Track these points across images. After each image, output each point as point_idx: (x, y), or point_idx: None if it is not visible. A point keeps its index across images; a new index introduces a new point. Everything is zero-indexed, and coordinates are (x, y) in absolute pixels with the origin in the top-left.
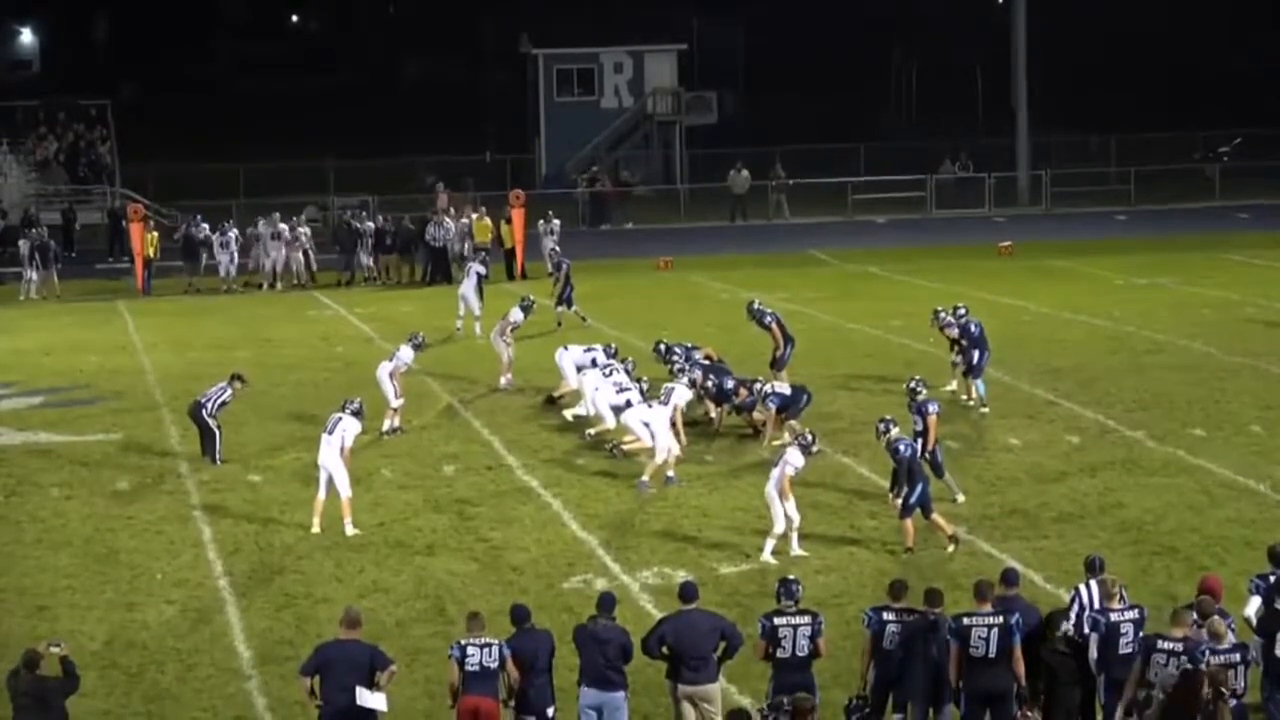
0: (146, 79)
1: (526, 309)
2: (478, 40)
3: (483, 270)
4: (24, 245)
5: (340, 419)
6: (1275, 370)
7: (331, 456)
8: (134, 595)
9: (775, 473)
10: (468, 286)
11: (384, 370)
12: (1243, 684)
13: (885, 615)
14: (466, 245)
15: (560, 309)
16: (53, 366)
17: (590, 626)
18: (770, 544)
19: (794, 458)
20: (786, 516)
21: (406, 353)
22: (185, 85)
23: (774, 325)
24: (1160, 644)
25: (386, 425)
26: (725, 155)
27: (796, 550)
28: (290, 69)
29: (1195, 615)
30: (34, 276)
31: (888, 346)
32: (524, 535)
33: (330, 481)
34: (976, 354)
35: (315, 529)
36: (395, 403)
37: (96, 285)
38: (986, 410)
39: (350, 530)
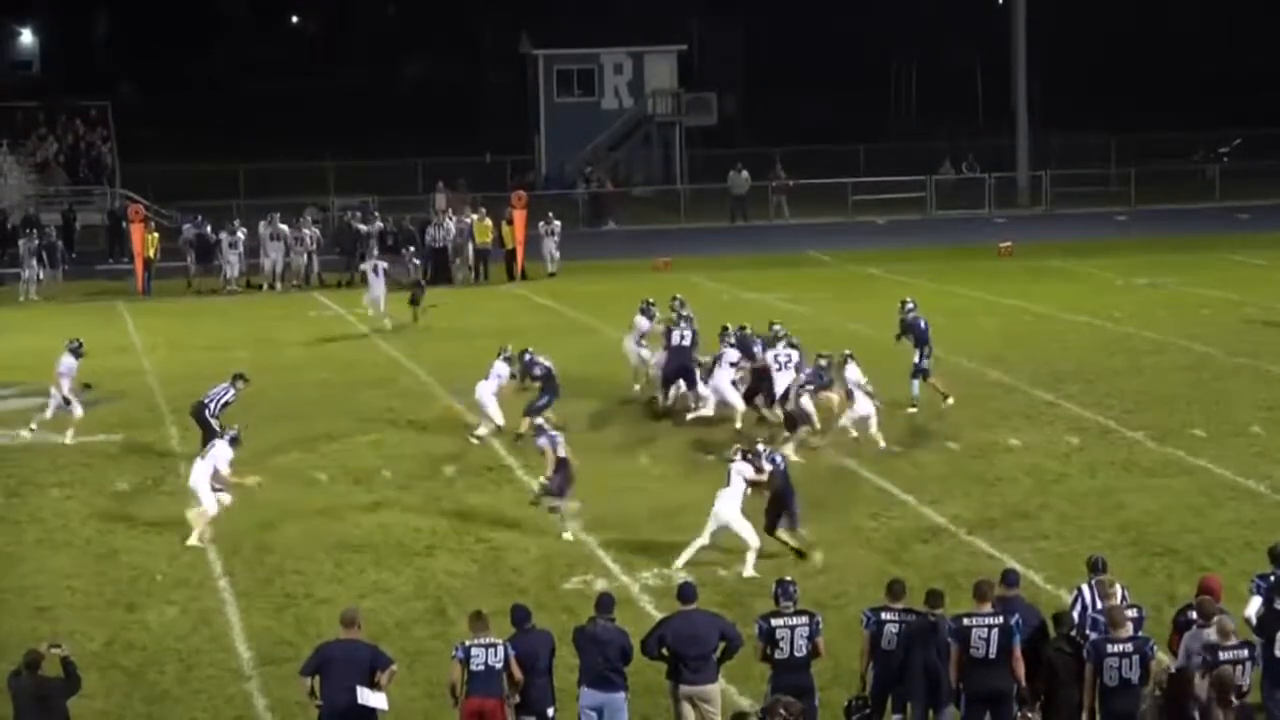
0: (146, 79)
1: (649, 314)
2: (477, 40)
3: (384, 268)
4: (24, 246)
5: (214, 445)
6: (1275, 370)
7: (200, 477)
8: (134, 596)
9: (728, 492)
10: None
11: (485, 390)
12: (1247, 681)
13: (884, 615)
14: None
15: None
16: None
17: (590, 627)
18: (751, 559)
19: (744, 470)
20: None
21: (501, 367)
22: (185, 85)
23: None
24: (1110, 648)
25: (483, 430)
26: (725, 156)
27: (750, 572)
28: (290, 69)
29: (1196, 615)
30: (40, 275)
31: (887, 347)
32: (524, 536)
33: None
34: (917, 353)
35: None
36: (498, 420)
37: (97, 286)
38: (914, 410)
39: (193, 541)
